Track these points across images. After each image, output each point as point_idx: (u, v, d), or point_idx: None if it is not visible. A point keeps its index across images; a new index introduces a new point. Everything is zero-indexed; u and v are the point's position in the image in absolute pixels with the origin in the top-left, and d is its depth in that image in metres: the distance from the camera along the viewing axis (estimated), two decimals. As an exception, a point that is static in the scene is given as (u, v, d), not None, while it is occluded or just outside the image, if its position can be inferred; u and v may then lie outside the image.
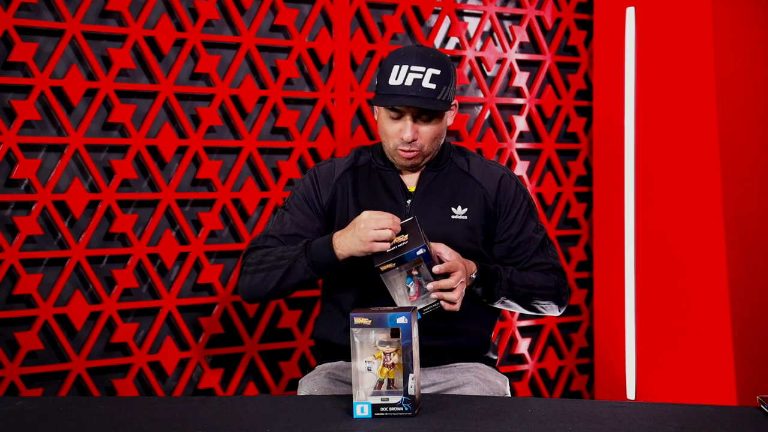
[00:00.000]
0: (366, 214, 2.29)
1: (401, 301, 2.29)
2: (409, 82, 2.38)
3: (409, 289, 2.28)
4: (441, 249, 2.31)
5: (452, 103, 2.47)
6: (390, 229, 2.25)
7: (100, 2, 3.24)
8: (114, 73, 3.23)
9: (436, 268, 2.25)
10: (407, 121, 2.42)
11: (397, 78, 2.40)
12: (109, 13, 3.26)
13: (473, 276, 2.40)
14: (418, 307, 2.27)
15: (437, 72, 2.40)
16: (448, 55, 2.69)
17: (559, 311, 2.57)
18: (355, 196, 2.52)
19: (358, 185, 2.54)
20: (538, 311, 2.54)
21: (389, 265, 2.23)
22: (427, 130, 2.44)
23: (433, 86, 2.39)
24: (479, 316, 2.53)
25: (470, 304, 2.45)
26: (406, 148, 2.45)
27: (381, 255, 2.25)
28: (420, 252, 2.21)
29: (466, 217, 2.50)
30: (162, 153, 3.32)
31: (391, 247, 2.25)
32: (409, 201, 2.50)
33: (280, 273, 2.40)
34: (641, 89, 3.83)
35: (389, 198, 2.51)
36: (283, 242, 2.48)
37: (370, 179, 2.55)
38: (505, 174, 2.57)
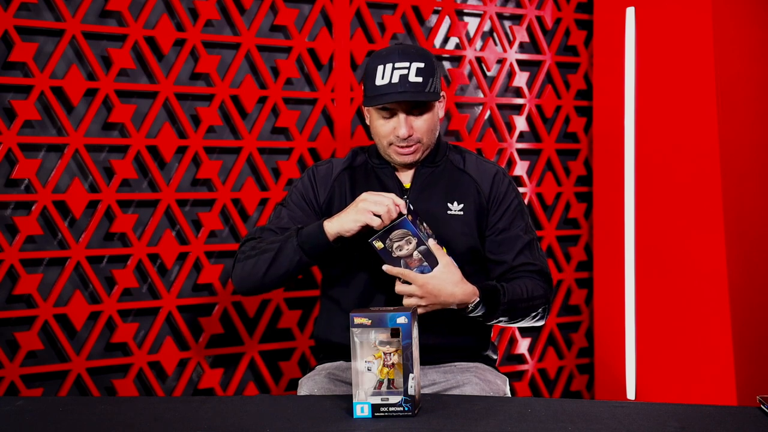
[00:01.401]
0: (366, 195, 2.34)
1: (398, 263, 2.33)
2: (395, 79, 2.40)
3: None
4: (442, 258, 2.33)
5: (441, 95, 2.48)
6: (388, 206, 2.28)
7: (100, 2, 3.24)
8: (114, 73, 3.22)
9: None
10: (400, 117, 2.43)
11: (383, 77, 2.41)
12: (109, 13, 3.26)
13: (471, 306, 2.38)
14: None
15: (421, 65, 2.42)
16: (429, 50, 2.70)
17: (543, 321, 2.56)
18: (353, 195, 2.53)
19: (355, 184, 2.55)
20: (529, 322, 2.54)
21: (379, 243, 2.29)
22: (421, 124, 2.45)
23: (419, 79, 2.41)
24: (479, 315, 2.54)
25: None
26: (403, 144, 2.45)
27: (373, 232, 2.31)
28: (402, 219, 2.27)
29: (462, 213, 2.51)
30: (162, 153, 3.32)
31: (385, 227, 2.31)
32: (405, 197, 2.51)
33: (270, 256, 2.40)
34: (641, 89, 3.83)
35: None
36: (279, 234, 2.49)
37: (367, 178, 2.56)
38: (499, 171, 2.58)
